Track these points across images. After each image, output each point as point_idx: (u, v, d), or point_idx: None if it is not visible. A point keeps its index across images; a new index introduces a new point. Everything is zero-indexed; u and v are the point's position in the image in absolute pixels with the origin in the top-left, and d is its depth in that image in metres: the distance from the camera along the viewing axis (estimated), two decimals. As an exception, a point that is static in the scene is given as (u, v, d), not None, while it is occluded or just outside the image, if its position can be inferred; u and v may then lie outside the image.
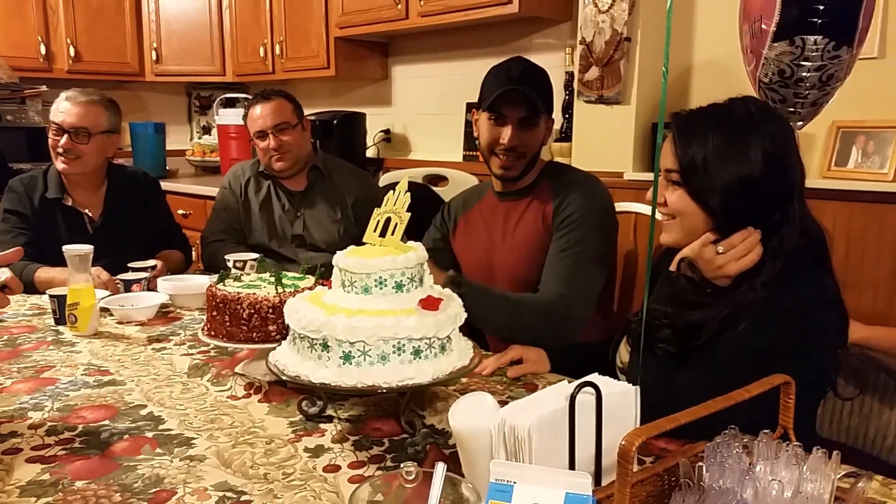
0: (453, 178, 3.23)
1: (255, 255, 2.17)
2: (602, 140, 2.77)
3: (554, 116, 1.88)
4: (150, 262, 2.17)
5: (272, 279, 1.47)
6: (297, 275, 1.55)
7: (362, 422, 1.25)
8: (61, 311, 1.80)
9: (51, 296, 1.83)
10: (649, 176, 2.42)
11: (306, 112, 2.64)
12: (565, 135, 3.01)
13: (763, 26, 1.72)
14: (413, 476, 0.80)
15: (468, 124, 3.46)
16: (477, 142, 1.89)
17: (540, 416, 0.86)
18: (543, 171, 1.90)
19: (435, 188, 3.16)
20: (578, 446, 0.89)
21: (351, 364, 1.12)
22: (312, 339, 1.15)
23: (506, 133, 1.78)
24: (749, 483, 0.77)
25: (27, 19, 4.12)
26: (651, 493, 0.86)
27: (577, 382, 0.90)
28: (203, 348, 1.64)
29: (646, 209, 2.08)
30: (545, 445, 0.86)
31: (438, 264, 1.28)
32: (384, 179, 3.35)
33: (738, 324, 1.19)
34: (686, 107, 1.34)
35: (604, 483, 0.91)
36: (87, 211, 2.34)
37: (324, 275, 1.46)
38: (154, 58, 4.51)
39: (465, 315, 1.24)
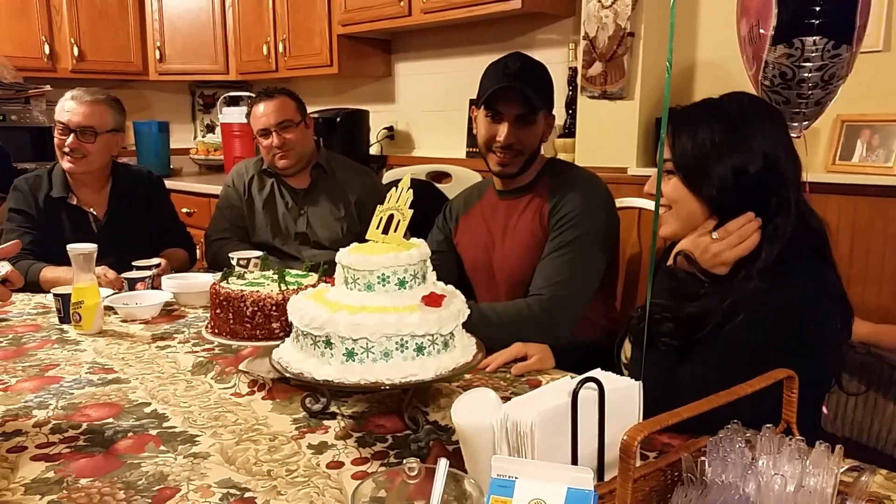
0: (457, 174, 3.23)
1: (259, 253, 2.18)
2: (605, 135, 2.77)
3: (557, 112, 1.87)
4: (154, 261, 2.18)
5: (275, 277, 1.47)
6: (300, 272, 1.55)
7: (365, 418, 1.25)
8: (66, 310, 1.80)
9: (55, 294, 1.83)
10: (653, 171, 2.42)
11: (309, 110, 2.64)
12: (569, 130, 3.01)
13: (761, 31, 1.71)
14: (416, 472, 0.80)
15: (471, 121, 3.46)
16: (476, 138, 1.89)
17: (542, 411, 0.86)
18: (544, 168, 1.88)
19: (438, 185, 3.16)
20: (581, 442, 0.89)
21: (354, 361, 1.13)
22: (316, 336, 1.15)
23: (502, 130, 1.77)
24: (752, 477, 0.77)
25: (31, 19, 4.13)
26: (654, 488, 0.86)
27: (579, 378, 0.90)
28: (207, 346, 1.65)
29: (649, 204, 2.07)
30: (548, 441, 0.86)
31: (443, 268, 1.28)
32: (387, 176, 3.35)
33: (737, 315, 1.19)
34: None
35: (606, 478, 0.91)
36: (91, 210, 2.35)
37: (327, 272, 1.47)
38: (157, 57, 4.51)
39: (467, 311, 1.24)
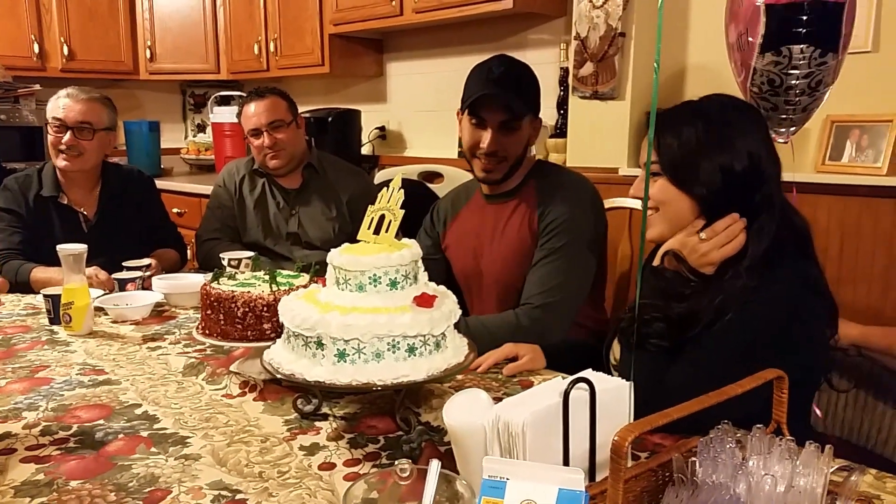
0: (448, 174, 3.23)
1: (250, 254, 2.17)
2: (597, 136, 2.77)
3: (549, 112, 1.86)
4: (145, 261, 2.17)
5: (267, 277, 1.47)
6: (291, 273, 1.55)
7: (357, 419, 1.25)
8: (56, 311, 1.79)
9: (45, 295, 1.82)
10: (639, 171, 2.42)
11: (301, 109, 2.64)
12: (560, 131, 3.01)
13: (749, 39, 1.73)
14: (407, 473, 0.80)
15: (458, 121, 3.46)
16: (460, 144, 1.88)
17: (534, 412, 0.86)
18: (531, 171, 1.86)
19: (430, 185, 3.15)
20: (572, 442, 0.89)
21: (345, 362, 1.12)
22: (307, 337, 1.15)
23: (486, 137, 1.75)
24: (742, 477, 0.77)
25: (20, 18, 4.10)
26: (645, 489, 0.86)
27: (570, 378, 0.90)
28: (198, 347, 1.64)
29: (639, 204, 2.07)
30: (539, 442, 0.87)
31: (431, 273, 1.28)
32: (379, 176, 3.35)
33: (725, 314, 1.20)
34: None
35: (598, 479, 0.91)
36: (82, 210, 2.34)
37: (318, 272, 1.46)
38: (148, 56, 4.49)
39: (459, 312, 1.24)
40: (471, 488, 0.79)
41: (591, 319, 1.84)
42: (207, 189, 3.34)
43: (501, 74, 1.74)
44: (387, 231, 1.21)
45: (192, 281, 2.09)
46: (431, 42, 3.72)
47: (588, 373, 0.95)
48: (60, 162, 2.26)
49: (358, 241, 1.24)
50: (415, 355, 1.14)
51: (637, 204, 2.09)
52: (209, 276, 1.51)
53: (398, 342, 1.13)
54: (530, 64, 1.84)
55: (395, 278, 1.18)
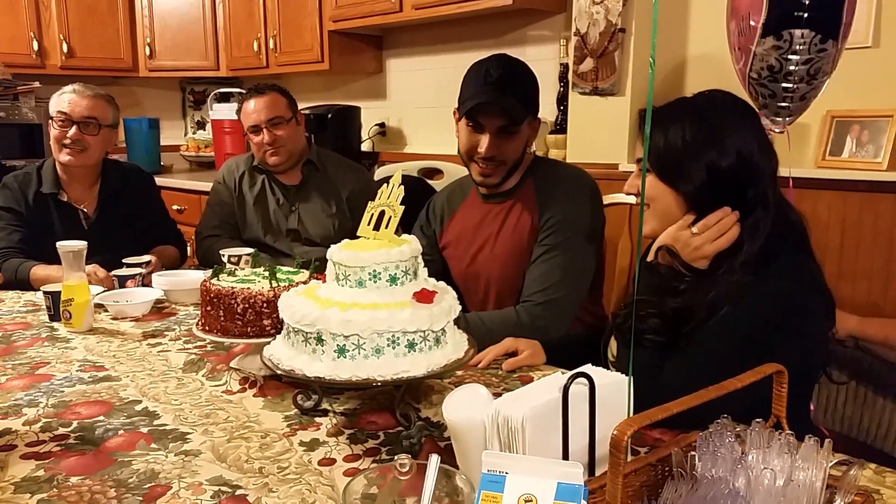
0: (448, 171, 3.23)
1: (250, 250, 2.17)
2: (597, 132, 2.77)
3: (549, 108, 1.85)
4: (145, 258, 2.17)
5: (266, 274, 1.47)
6: (291, 269, 1.55)
7: (357, 415, 1.25)
8: (56, 308, 1.79)
9: (45, 292, 1.82)
10: (634, 168, 2.42)
11: (301, 106, 2.64)
12: (560, 127, 3.01)
13: (751, 22, 1.74)
14: (407, 468, 0.80)
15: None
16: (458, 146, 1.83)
17: (533, 407, 0.87)
18: (529, 169, 1.84)
19: (430, 181, 3.15)
20: (572, 437, 0.89)
21: (345, 357, 1.12)
22: (307, 332, 1.15)
23: (483, 141, 1.72)
24: (741, 472, 0.77)
25: (19, 15, 4.10)
26: (645, 483, 0.87)
27: (570, 373, 0.90)
28: (198, 343, 1.64)
29: (635, 201, 2.07)
30: (539, 436, 0.87)
31: (428, 274, 1.28)
32: (379, 173, 3.35)
33: (721, 309, 1.20)
34: None
35: (597, 473, 0.91)
36: (81, 206, 2.33)
37: (318, 269, 1.46)
38: (147, 53, 4.49)
39: (459, 308, 1.24)
40: (470, 483, 0.79)
41: (591, 315, 1.84)
42: (207, 186, 3.34)
43: (499, 77, 1.70)
44: (386, 227, 1.21)
45: (192, 277, 2.09)
46: (431, 38, 3.72)
47: (588, 368, 0.96)
48: (63, 157, 2.25)
49: (358, 238, 1.24)
50: (414, 351, 1.14)
51: (634, 200, 2.09)
52: (209, 272, 1.51)
53: (398, 338, 1.13)
54: (530, 60, 1.82)
55: (395, 274, 1.18)
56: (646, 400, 0.85)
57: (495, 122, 1.71)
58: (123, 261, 2.12)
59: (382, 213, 1.22)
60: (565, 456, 0.89)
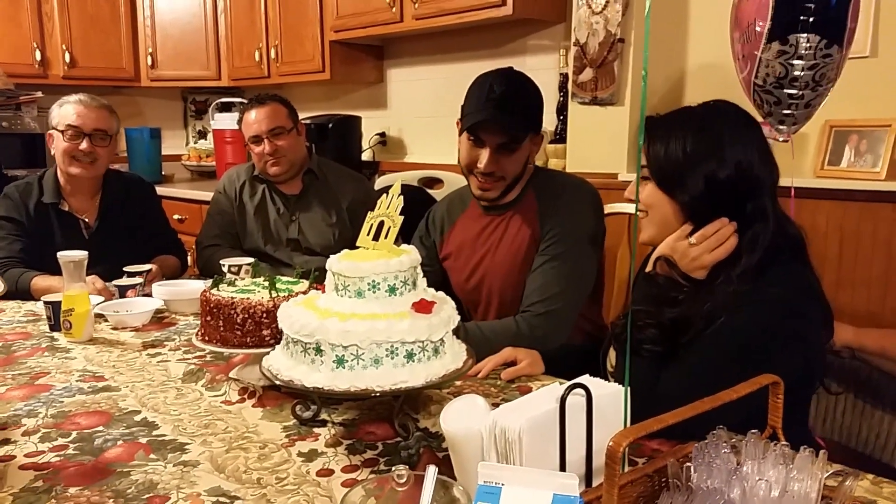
0: (448, 180, 3.23)
1: (250, 260, 2.17)
2: (596, 141, 2.78)
3: (547, 118, 1.84)
4: (146, 266, 2.18)
5: (266, 284, 1.47)
6: (291, 279, 1.55)
7: (356, 426, 1.26)
8: (56, 318, 1.80)
9: (45, 302, 1.83)
10: (633, 177, 2.43)
11: (301, 116, 2.65)
12: (559, 136, 3.02)
13: (757, 28, 1.75)
14: (405, 479, 0.80)
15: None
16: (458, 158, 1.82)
17: (530, 417, 0.87)
18: (530, 181, 1.83)
19: (430, 190, 3.16)
20: (569, 448, 0.89)
21: (344, 368, 1.13)
22: (306, 343, 1.15)
23: (483, 156, 1.72)
24: (736, 483, 0.78)
25: (22, 26, 4.12)
26: (642, 494, 0.87)
27: (567, 384, 0.90)
28: (198, 353, 1.64)
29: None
30: (536, 447, 0.87)
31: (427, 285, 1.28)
32: (380, 182, 3.35)
33: (717, 319, 1.20)
34: None
35: (595, 484, 0.91)
36: (83, 216, 2.34)
37: (318, 279, 1.47)
38: (149, 63, 4.51)
39: (458, 318, 1.24)
40: (467, 494, 0.79)
41: (590, 324, 1.84)
42: (208, 195, 3.35)
43: (503, 94, 1.69)
44: (386, 237, 1.21)
45: (192, 287, 2.09)
46: (431, 48, 3.73)
47: (585, 378, 0.96)
48: (74, 169, 2.26)
49: (357, 248, 1.24)
50: (413, 361, 1.15)
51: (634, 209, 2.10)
52: (209, 282, 1.51)
53: (397, 348, 1.13)
54: (530, 70, 1.83)
55: (394, 284, 1.18)
56: (644, 410, 0.85)
57: (496, 139, 1.71)
58: (125, 269, 2.13)
59: (382, 224, 1.23)
60: (562, 467, 0.89)
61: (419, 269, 1.24)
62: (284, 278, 1.56)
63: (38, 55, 4.17)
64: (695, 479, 0.80)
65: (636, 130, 2.72)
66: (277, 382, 1.17)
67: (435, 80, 3.76)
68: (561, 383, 0.94)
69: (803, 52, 1.71)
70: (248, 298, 1.40)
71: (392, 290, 1.18)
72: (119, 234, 2.36)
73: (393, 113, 4.05)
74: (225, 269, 2.05)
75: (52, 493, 1.02)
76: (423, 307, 1.17)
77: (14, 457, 1.14)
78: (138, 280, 2.08)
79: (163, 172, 4.63)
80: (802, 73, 1.74)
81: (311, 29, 3.84)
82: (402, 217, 1.22)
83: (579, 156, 2.83)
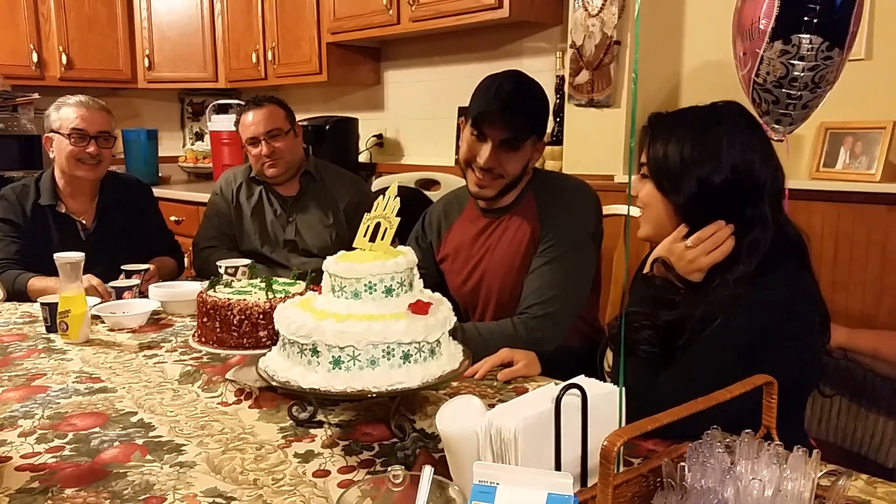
0: (445, 182, 3.24)
1: (247, 261, 2.18)
2: (593, 143, 2.78)
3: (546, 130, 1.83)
4: (144, 266, 2.18)
5: (263, 285, 1.47)
6: (287, 280, 1.55)
7: (352, 426, 1.26)
8: (52, 319, 1.80)
9: (42, 303, 1.83)
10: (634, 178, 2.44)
11: (299, 117, 2.65)
12: (556, 138, 3.02)
13: (761, 26, 1.76)
14: (400, 480, 0.81)
15: (460, 129, 3.47)
16: (457, 151, 1.85)
17: (525, 418, 0.87)
18: (529, 183, 1.83)
19: (427, 192, 3.16)
20: (565, 448, 0.90)
21: (340, 369, 1.13)
22: (302, 344, 1.15)
23: (484, 152, 1.72)
24: (730, 482, 0.78)
25: (19, 27, 4.12)
26: (637, 494, 0.87)
27: (563, 385, 0.91)
28: (194, 355, 1.65)
29: (635, 211, 2.09)
30: (531, 448, 0.87)
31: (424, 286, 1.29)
32: (377, 184, 3.36)
33: (714, 321, 1.21)
34: None
35: (590, 484, 0.92)
36: (80, 218, 2.34)
37: (315, 280, 1.47)
38: (146, 64, 4.51)
39: (454, 319, 1.25)
40: (463, 494, 0.79)
41: (588, 325, 1.84)
42: (205, 197, 3.35)
43: (510, 93, 1.70)
44: (382, 239, 1.22)
45: (189, 289, 2.09)
46: (428, 50, 3.74)
47: (580, 379, 0.96)
48: (80, 171, 2.26)
49: (354, 249, 1.25)
50: (409, 362, 1.15)
51: (634, 211, 2.11)
52: (206, 283, 1.52)
53: (393, 349, 1.13)
54: (526, 72, 1.83)
55: (391, 285, 1.18)
56: (641, 411, 0.86)
57: (499, 135, 1.71)
58: (122, 268, 2.13)
59: (378, 225, 1.23)
60: (557, 467, 0.89)
61: (415, 271, 1.24)
62: (281, 279, 1.56)
63: (34, 57, 4.17)
64: (689, 478, 0.80)
65: (638, 131, 2.73)
66: (274, 383, 1.18)
67: (432, 82, 3.77)
68: (557, 384, 0.94)
69: (805, 52, 1.72)
70: (244, 300, 1.40)
71: (388, 291, 1.18)
72: (116, 235, 2.36)
73: (390, 115, 4.05)
74: (222, 271, 2.06)
75: (49, 494, 1.02)
76: (419, 308, 1.17)
77: (10, 458, 1.14)
78: (135, 282, 2.08)
79: (160, 174, 4.63)
80: (802, 74, 1.75)
81: (308, 31, 3.85)
82: (399, 219, 1.22)
83: (576, 158, 2.84)
